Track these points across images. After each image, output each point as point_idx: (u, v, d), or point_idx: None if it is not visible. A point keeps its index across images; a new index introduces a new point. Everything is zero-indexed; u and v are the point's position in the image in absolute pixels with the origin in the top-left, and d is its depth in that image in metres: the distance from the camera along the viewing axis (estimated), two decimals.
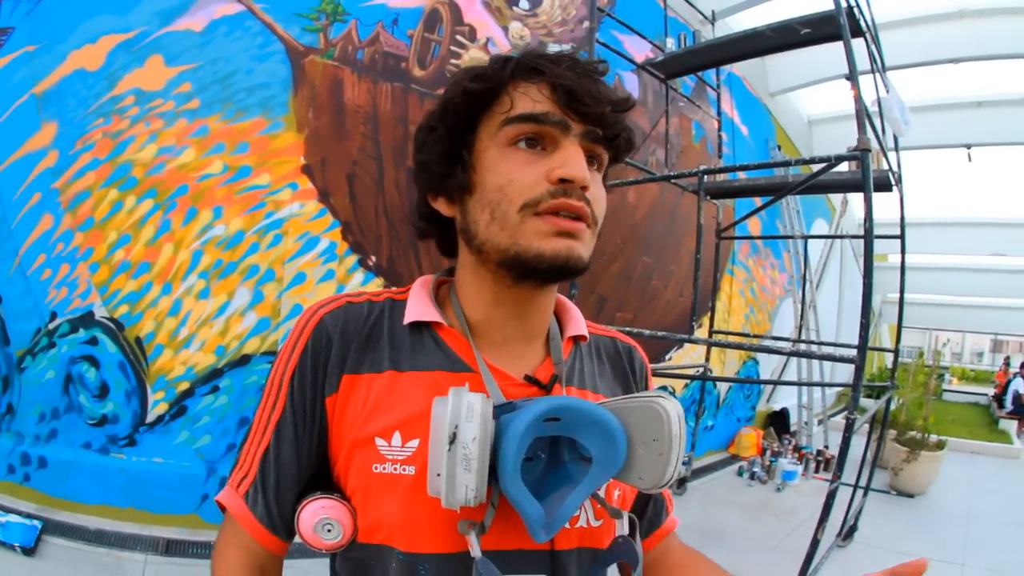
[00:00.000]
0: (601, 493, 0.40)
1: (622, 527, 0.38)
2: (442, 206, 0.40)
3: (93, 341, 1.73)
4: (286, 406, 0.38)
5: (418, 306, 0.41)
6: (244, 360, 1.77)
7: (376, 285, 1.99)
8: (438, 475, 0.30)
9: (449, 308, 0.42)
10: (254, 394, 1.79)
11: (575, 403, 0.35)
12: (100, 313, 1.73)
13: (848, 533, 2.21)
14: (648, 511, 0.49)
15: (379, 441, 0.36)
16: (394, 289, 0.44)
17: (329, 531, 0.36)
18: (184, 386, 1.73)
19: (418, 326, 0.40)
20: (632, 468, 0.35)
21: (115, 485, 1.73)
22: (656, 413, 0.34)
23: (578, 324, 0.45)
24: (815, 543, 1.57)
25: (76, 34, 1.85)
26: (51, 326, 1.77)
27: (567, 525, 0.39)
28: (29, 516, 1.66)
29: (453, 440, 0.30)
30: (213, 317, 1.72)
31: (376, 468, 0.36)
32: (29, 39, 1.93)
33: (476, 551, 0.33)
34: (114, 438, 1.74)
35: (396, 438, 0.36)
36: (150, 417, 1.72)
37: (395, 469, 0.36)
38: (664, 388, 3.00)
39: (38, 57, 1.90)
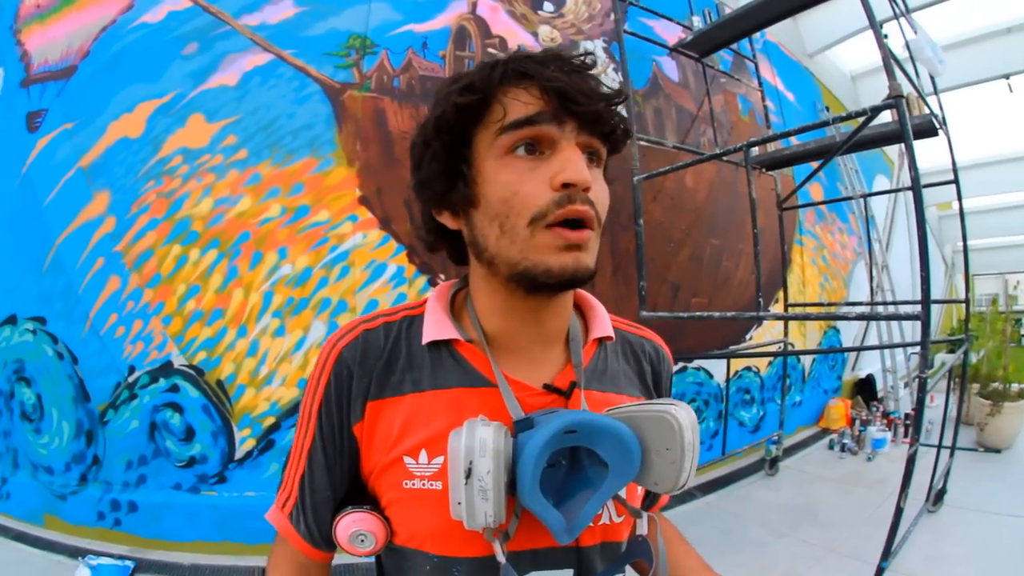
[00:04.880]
0: (622, 492, 0.43)
1: (641, 526, 0.42)
2: (447, 220, 0.42)
3: (174, 388, 1.93)
4: (316, 436, 0.43)
5: (434, 324, 0.43)
6: None
7: None
8: (459, 503, 0.34)
9: (466, 319, 0.44)
10: None
11: (589, 418, 0.37)
12: (179, 362, 1.93)
13: (938, 497, 2.21)
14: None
15: (408, 460, 0.40)
16: (410, 304, 0.46)
17: (363, 541, 0.42)
18: (270, 421, 1.92)
19: (436, 344, 0.43)
20: (648, 473, 0.38)
21: (209, 521, 1.92)
22: (668, 424, 0.37)
23: (603, 325, 0.47)
24: (899, 511, 1.60)
25: (112, 106, 2.07)
26: (130, 379, 1.97)
27: (590, 523, 0.41)
28: (121, 558, 1.83)
29: (469, 474, 0.33)
30: (291, 352, 1.91)
31: (406, 484, 0.40)
32: (65, 118, 2.15)
33: (501, 557, 0.37)
34: (204, 477, 1.94)
35: (423, 456, 0.40)
36: (238, 454, 1.91)
37: (424, 484, 0.40)
38: (748, 369, 3.06)
39: (77, 133, 2.13)
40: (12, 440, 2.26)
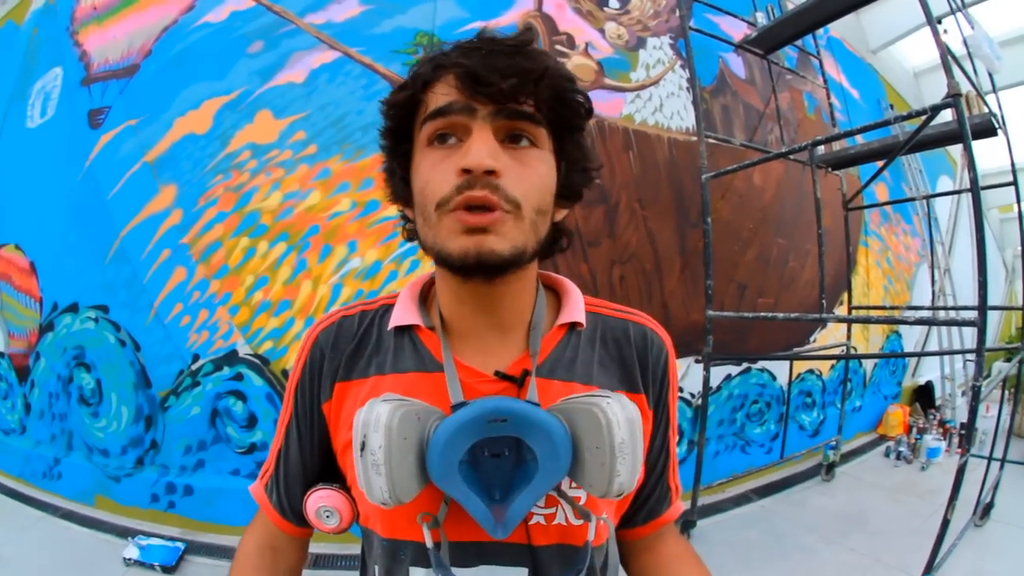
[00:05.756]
0: (580, 493, 0.40)
1: (590, 530, 0.39)
2: (408, 211, 0.44)
3: (238, 377, 2.00)
4: (292, 413, 0.47)
5: (400, 311, 0.45)
6: None
7: None
8: (359, 476, 0.35)
9: (433, 307, 0.45)
10: None
11: (516, 406, 0.36)
12: (244, 351, 1.99)
13: (985, 511, 2.18)
14: (650, 500, 0.49)
15: None
16: (390, 294, 0.49)
17: (329, 517, 0.44)
18: None
19: (402, 330, 0.44)
20: (583, 473, 0.36)
21: None
22: (595, 418, 0.34)
23: (572, 310, 0.45)
24: (945, 524, 1.59)
25: (177, 103, 2.14)
26: (194, 367, 2.04)
27: (542, 522, 0.41)
28: (172, 539, 1.89)
29: (363, 447, 0.34)
30: None
31: None
32: (128, 115, 2.23)
33: (428, 542, 0.37)
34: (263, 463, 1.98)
35: None
36: None
37: None
38: (811, 372, 3.05)
39: (142, 129, 2.20)
40: (67, 423, 2.35)
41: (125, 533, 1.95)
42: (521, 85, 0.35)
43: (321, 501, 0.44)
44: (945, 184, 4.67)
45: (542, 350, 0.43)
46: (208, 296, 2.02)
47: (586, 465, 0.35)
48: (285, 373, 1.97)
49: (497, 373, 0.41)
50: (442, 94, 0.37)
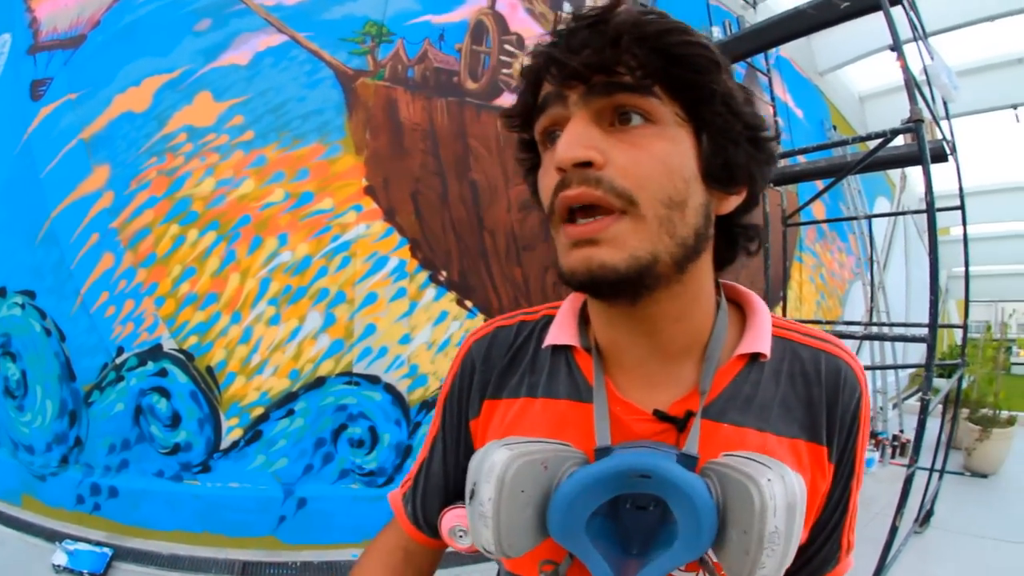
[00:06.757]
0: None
1: None
2: None
3: (163, 373, 1.87)
4: (440, 426, 0.45)
5: (558, 328, 0.40)
6: (319, 382, 1.89)
7: (448, 300, 2.08)
8: (470, 521, 0.33)
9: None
10: (330, 415, 1.91)
11: (657, 464, 0.31)
12: (168, 345, 1.87)
13: (925, 518, 2.27)
14: (816, 558, 0.40)
15: None
16: (555, 303, 0.43)
17: (461, 537, 0.42)
18: (259, 411, 1.86)
19: (559, 348, 0.40)
20: (724, 553, 0.30)
21: (189, 511, 1.86)
22: (748, 497, 0.28)
23: (756, 337, 0.37)
24: (894, 530, 1.62)
25: (118, 79, 2.01)
26: (118, 360, 1.92)
27: None
28: (99, 544, 1.78)
29: (472, 496, 0.31)
30: (286, 342, 1.85)
31: None
32: (69, 87, 2.10)
33: None
34: (187, 465, 1.88)
35: None
36: (224, 443, 1.85)
37: None
38: None
39: (81, 104, 2.07)
40: None
41: (52, 536, 1.83)
42: (598, 55, 0.30)
43: (457, 520, 0.42)
44: (882, 205, 4.83)
45: (716, 384, 0.36)
46: (135, 285, 1.89)
47: (729, 545, 0.30)
48: (210, 370, 1.85)
49: (656, 412, 0.35)
50: (545, 90, 0.33)
